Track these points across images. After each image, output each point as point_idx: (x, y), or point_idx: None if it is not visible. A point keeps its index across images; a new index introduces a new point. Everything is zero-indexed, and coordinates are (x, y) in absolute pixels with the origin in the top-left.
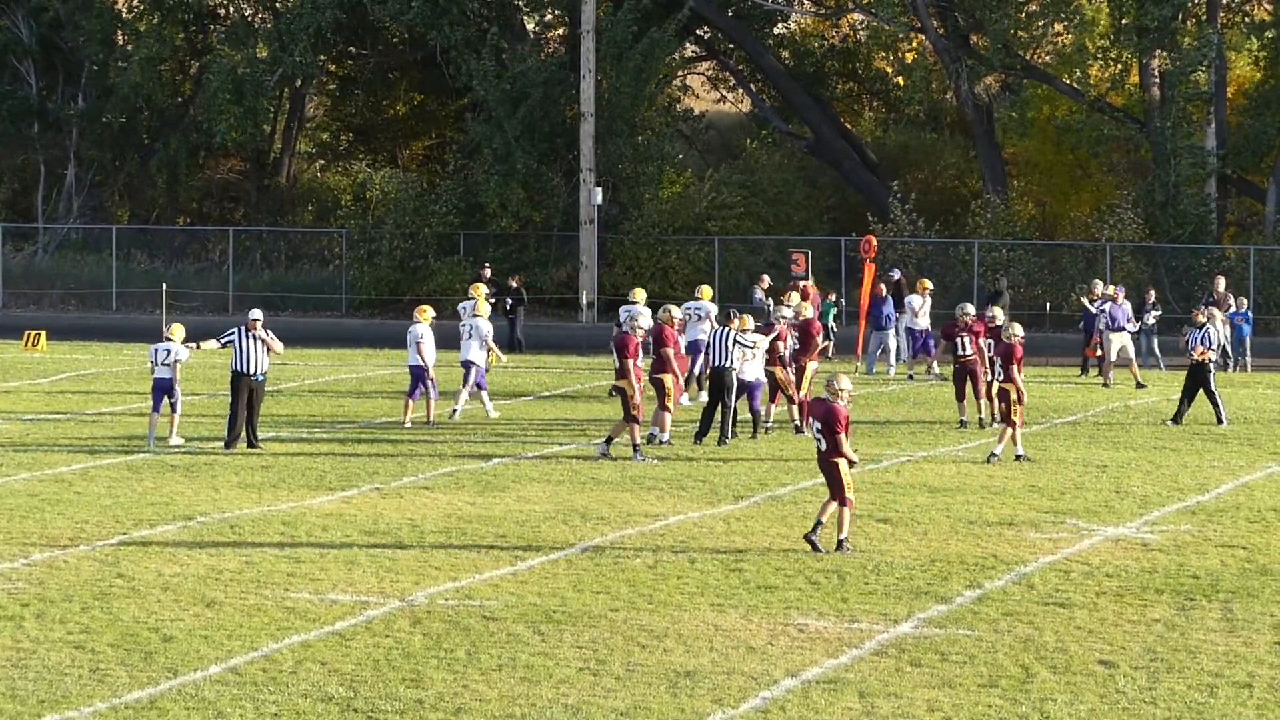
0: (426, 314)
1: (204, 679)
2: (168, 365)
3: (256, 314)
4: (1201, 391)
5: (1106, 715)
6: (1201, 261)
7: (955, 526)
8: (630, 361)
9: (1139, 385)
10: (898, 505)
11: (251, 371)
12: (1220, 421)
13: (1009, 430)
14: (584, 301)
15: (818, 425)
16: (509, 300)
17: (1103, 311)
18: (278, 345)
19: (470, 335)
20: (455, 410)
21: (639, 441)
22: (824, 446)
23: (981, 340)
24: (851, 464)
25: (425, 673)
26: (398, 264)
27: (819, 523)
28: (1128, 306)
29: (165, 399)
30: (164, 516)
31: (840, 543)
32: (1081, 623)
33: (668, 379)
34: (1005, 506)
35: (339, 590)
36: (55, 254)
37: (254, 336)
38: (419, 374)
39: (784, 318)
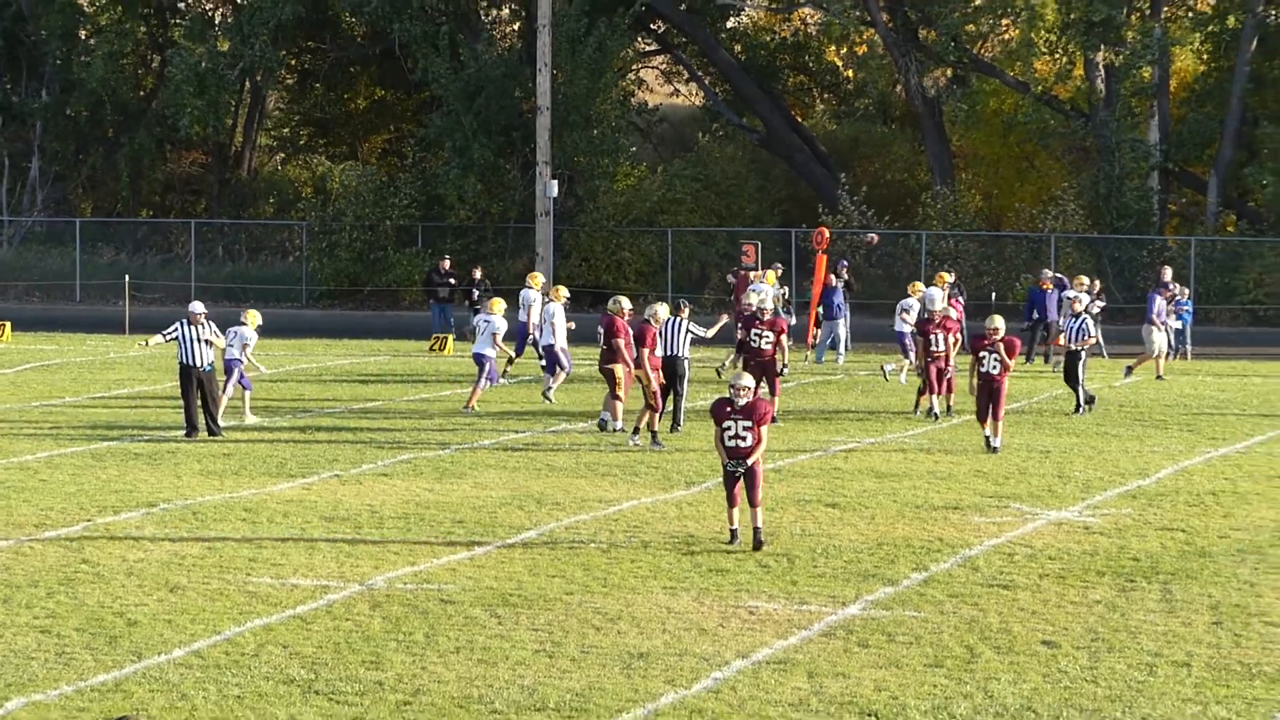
0: (499, 305)
1: (168, 662)
2: (232, 347)
3: (197, 307)
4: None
5: (1049, 694)
6: (1144, 252)
7: (902, 511)
8: (645, 352)
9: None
10: (846, 490)
11: (197, 364)
12: (1077, 410)
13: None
14: (539, 291)
15: (746, 422)
16: (474, 290)
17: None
18: (220, 340)
19: (487, 329)
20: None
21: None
22: (747, 443)
23: (953, 336)
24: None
25: (385, 655)
26: (357, 255)
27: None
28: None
29: (233, 381)
30: (128, 503)
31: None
32: (1025, 604)
33: (618, 368)
34: (950, 491)
35: (300, 575)
36: (19, 246)
37: (198, 329)
38: (481, 361)
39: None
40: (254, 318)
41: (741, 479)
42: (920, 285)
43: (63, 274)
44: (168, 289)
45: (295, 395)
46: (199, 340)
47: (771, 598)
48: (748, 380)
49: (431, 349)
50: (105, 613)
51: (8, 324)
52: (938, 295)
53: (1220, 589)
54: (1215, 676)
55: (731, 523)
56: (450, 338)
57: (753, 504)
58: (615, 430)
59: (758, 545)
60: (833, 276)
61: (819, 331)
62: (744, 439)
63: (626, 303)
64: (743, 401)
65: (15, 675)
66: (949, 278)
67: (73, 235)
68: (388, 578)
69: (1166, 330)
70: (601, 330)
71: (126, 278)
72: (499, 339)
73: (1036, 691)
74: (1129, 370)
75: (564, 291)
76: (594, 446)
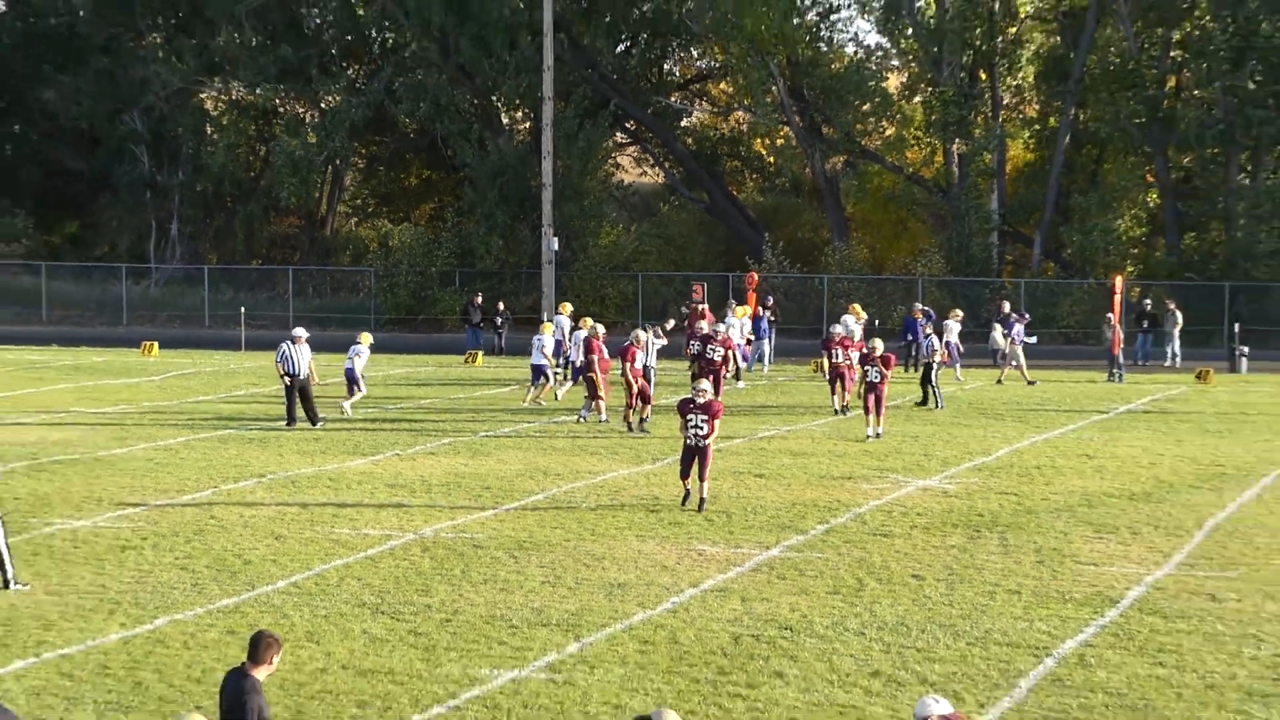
0: (549, 328)
1: (273, 591)
2: (351, 360)
3: (299, 331)
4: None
5: (917, 613)
6: (986, 290)
7: (810, 480)
8: (627, 365)
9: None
10: (769, 465)
11: (296, 373)
12: (939, 407)
13: (878, 415)
14: (546, 318)
15: (703, 416)
16: (498, 318)
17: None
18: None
19: (539, 346)
20: (530, 398)
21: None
22: (704, 431)
23: (853, 351)
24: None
25: (431, 585)
26: (411, 293)
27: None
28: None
29: (353, 384)
30: (243, 475)
31: (702, 502)
32: (899, 548)
33: (596, 376)
34: (846, 465)
35: (369, 527)
36: (163, 287)
37: (299, 348)
38: (537, 370)
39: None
40: (366, 339)
41: (696, 457)
42: (858, 306)
43: (195, 307)
44: (272, 318)
45: (366, 396)
46: (299, 356)
47: (714, 543)
48: (706, 385)
49: (465, 362)
50: (227, 555)
51: (155, 344)
52: (851, 321)
53: (1042, 537)
54: (1038, 601)
55: (685, 488)
56: (480, 353)
57: (702, 478)
58: (601, 422)
59: (701, 507)
60: (761, 308)
61: (749, 348)
62: (701, 428)
63: (600, 328)
64: (702, 400)
65: (161, 601)
66: (860, 310)
67: (202, 278)
68: (434, 529)
69: (1020, 347)
70: (581, 347)
71: (242, 310)
72: (548, 352)
73: (908, 611)
74: (998, 380)
75: (589, 320)
76: (584, 433)
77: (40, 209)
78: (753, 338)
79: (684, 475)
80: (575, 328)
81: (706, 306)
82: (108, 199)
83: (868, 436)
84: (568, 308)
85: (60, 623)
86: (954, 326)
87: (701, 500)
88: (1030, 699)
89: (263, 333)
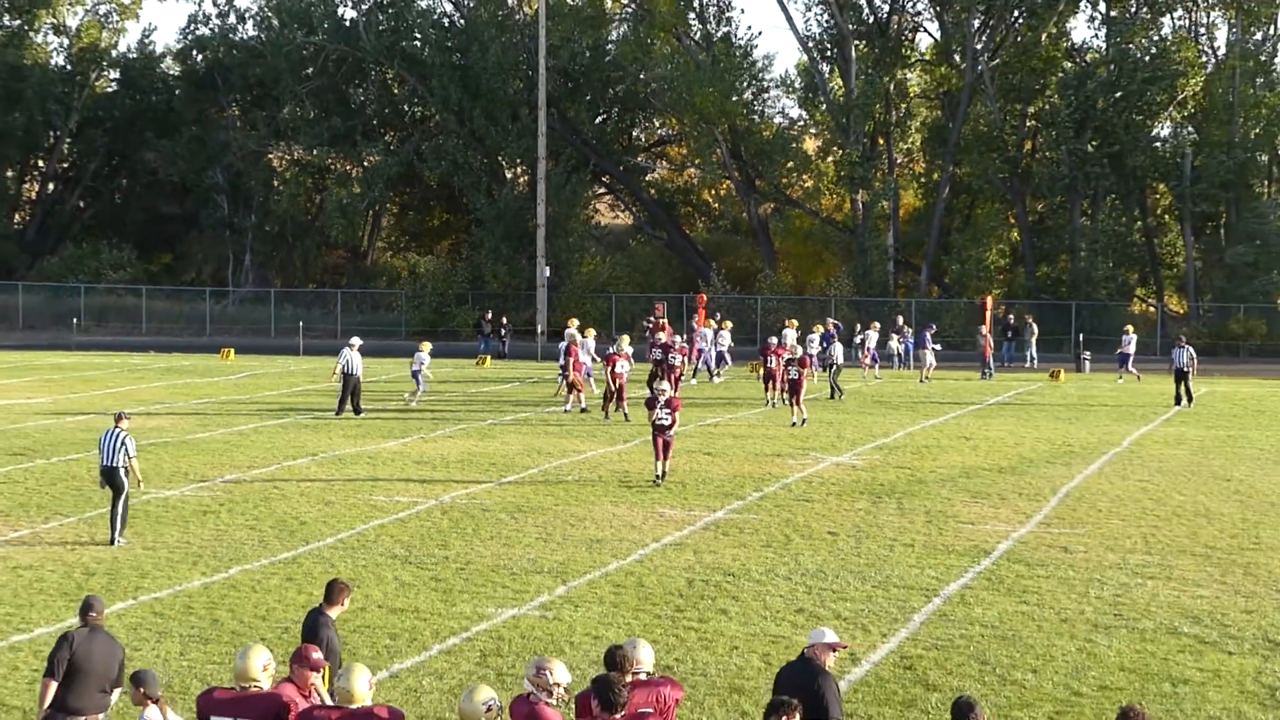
0: (590, 333)
1: (323, 546)
2: (418, 364)
3: (355, 340)
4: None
5: (832, 562)
6: (885, 309)
7: (747, 457)
8: (609, 368)
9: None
10: (715, 445)
11: (351, 372)
12: (841, 398)
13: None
14: (539, 331)
15: (667, 409)
16: (503, 330)
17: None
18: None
19: (584, 350)
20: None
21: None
22: (668, 422)
23: (783, 356)
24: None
25: (449, 541)
26: (433, 310)
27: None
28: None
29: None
30: (300, 453)
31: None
32: (818, 510)
33: (573, 375)
34: (775, 445)
35: (399, 495)
36: (238, 305)
37: (355, 354)
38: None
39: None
40: (427, 346)
41: (661, 441)
42: (794, 321)
43: (263, 321)
44: (324, 330)
45: (397, 390)
46: (354, 359)
47: (673, 507)
48: (665, 385)
49: (477, 365)
50: (287, 517)
51: (231, 350)
52: (789, 334)
53: (930, 502)
54: (929, 553)
55: (656, 470)
56: (489, 358)
57: (665, 457)
58: (583, 412)
59: (660, 481)
60: (711, 321)
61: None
62: (665, 419)
63: (579, 335)
64: (664, 398)
65: (234, 554)
66: (794, 323)
67: (269, 298)
68: (452, 496)
69: (929, 352)
70: (562, 350)
71: (300, 324)
72: (592, 352)
73: (825, 561)
74: (923, 379)
75: (592, 331)
76: (569, 421)
77: (142, 244)
78: (702, 346)
79: (656, 458)
80: (584, 336)
81: (666, 321)
82: (195, 235)
83: (793, 424)
84: (575, 321)
85: (153, 572)
86: (872, 336)
87: (662, 475)
88: (922, 630)
89: (316, 341)
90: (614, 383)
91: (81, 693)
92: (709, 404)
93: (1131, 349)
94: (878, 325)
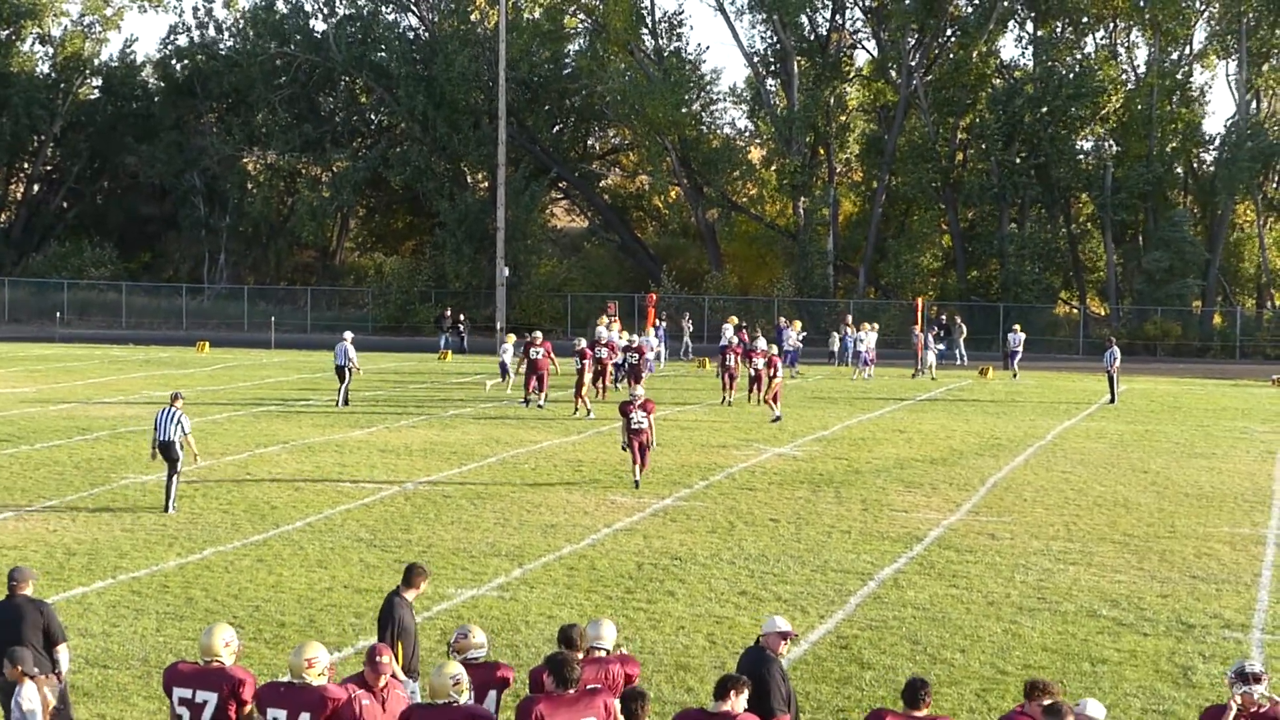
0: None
1: (292, 529)
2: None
3: (348, 335)
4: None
5: (774, 547)
6: (825, 308)
7: (695, 448)
8: (585, 362)
9: (792, 377)
10: (664, 437)
11: (345, 364)
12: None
13: (772, 402)
14: (499, 328)
15: (641, 412)
16: (461, 327)
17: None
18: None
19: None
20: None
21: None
22: (646, 425)
23: (738, 354)
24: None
25: (412, 525)
26: (398, 307)
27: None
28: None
29: (503, 375)
30: (272, 442)
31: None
32: (760, 499)
33: (543, 373)
34: (721, 436)
35: (364, 481)
36: (213, 301)
37: (349, 347)
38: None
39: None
40: (512, 338)
41: (638, 445)
42: (735, 320)
43: (236, 316)
44: (294, 324)
45: (362, 383)
46: (348, 351)
47: (623, 494)
48: (640, 390)
49: (438, 359)
50: (259, 502)
51: (206, 343)
52: (729, 330)
53: (867, 491)
54: (864, 539)
55: (635, 476)
56: (449, 353)
57: (643, 464)
58: (538, 406)
59: (639, 485)
60: (657, 320)
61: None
62: (643, 422)
63: (540, 335)
64: (639, 401)
65: (208, 536)
66: (736, 320)
67: (243, 295)
68: (415, 483)
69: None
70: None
71: (272, 319)
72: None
73: (767, 546)
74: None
75: (512, 336)
76: (527, 413)
77: (122, 243)
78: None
79: (626, 448)
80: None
81: (617, 319)
82: (173, 235)
83: (776, 419)
84: (603, 320)
85: (131, 553)
86: (871, 336)
87: (637, 482)
88: (858, 612)
89: (287, 336)
90: (548, 371)
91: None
92: (656, 397)
93: (1020, 347)
94: (876, 326)
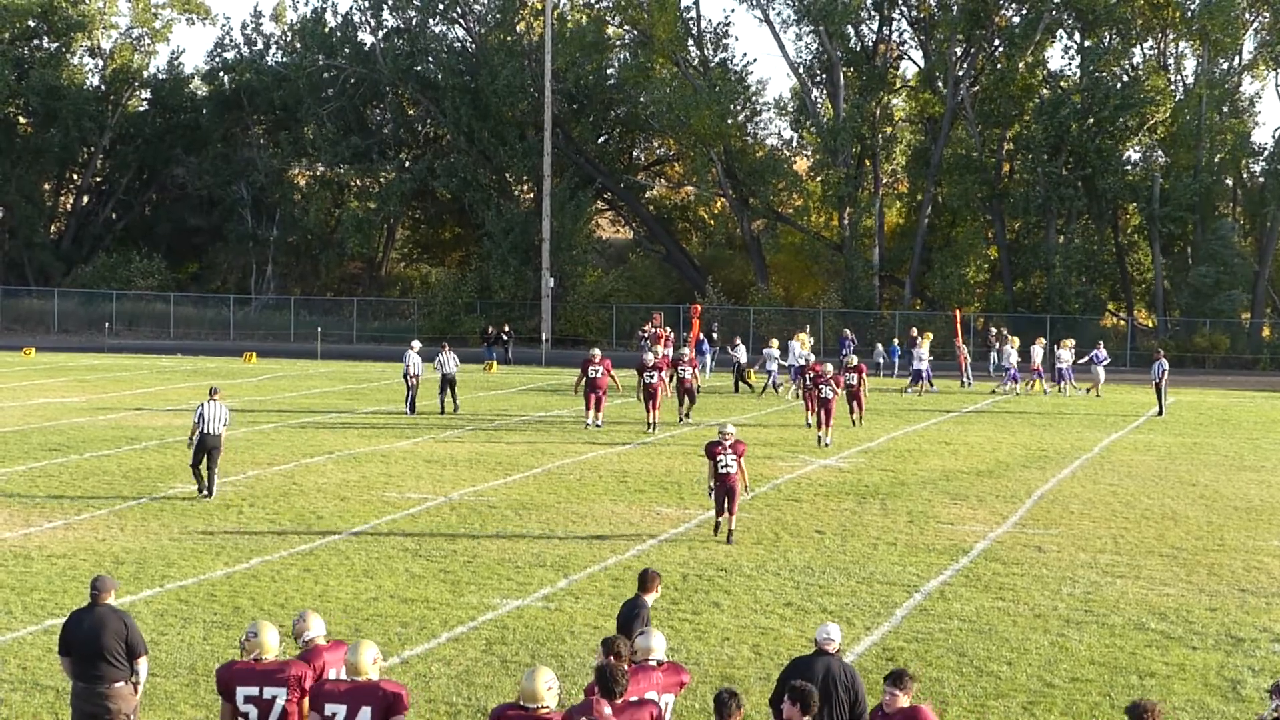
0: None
1: (339, 538)
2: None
3: (416, 344)
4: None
5: (819, 559)
6: (870, 319)
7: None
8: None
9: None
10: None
11: (416, 372)
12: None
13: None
14: (544, 339)
15: (731, 455)
16: (505, 337)
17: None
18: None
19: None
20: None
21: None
22: (734, 468)
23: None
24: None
25: (457, 535)
26: (444, 318)
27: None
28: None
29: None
30: (318, 451)
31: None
32: (807, 510)
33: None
34: (769, 449)
35: (411, 491)
36: (260, 311)
37: (416, 356)
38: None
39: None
40: (597, 352)
41: (725, 490)
42: (806, 339)
43: (283, 327)
44: (340, 335)
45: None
46: (414, 360)
47: (669, 506)
48: (731, 428)
49: (484, 370)
50: (305, 512)
51: (254, 354)
52: (795, 347)
53: (913, 503)
54: (910, 551)
55: (729, 525)
56: (494, 363)
57: (731, 511)
58: (596, 426)
59: (730, 539)
60: (703, 332)
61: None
62: (731, 466)
63: (598, 353)
64: (729, 441)
65: (254, 546)
66: (807, 340)
67: (289, 305)
68: (460, 493)
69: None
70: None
71: (319, 329)
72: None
73: (813, 557)
74: (1082, 391)
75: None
76: (572, 424)
77: (171, 254)
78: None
79: (711, 494)
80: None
81: (667, 330)
82: (220, 246)
83: (824, 444)
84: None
85: (179, 561)
86: (1066, 355)
87: (730, 532)
88: (904, 624)
89: (333, 346)
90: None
91: (84, 665)
92: (702, 409)
93: (1066, 363)
94: (1073, 342)
